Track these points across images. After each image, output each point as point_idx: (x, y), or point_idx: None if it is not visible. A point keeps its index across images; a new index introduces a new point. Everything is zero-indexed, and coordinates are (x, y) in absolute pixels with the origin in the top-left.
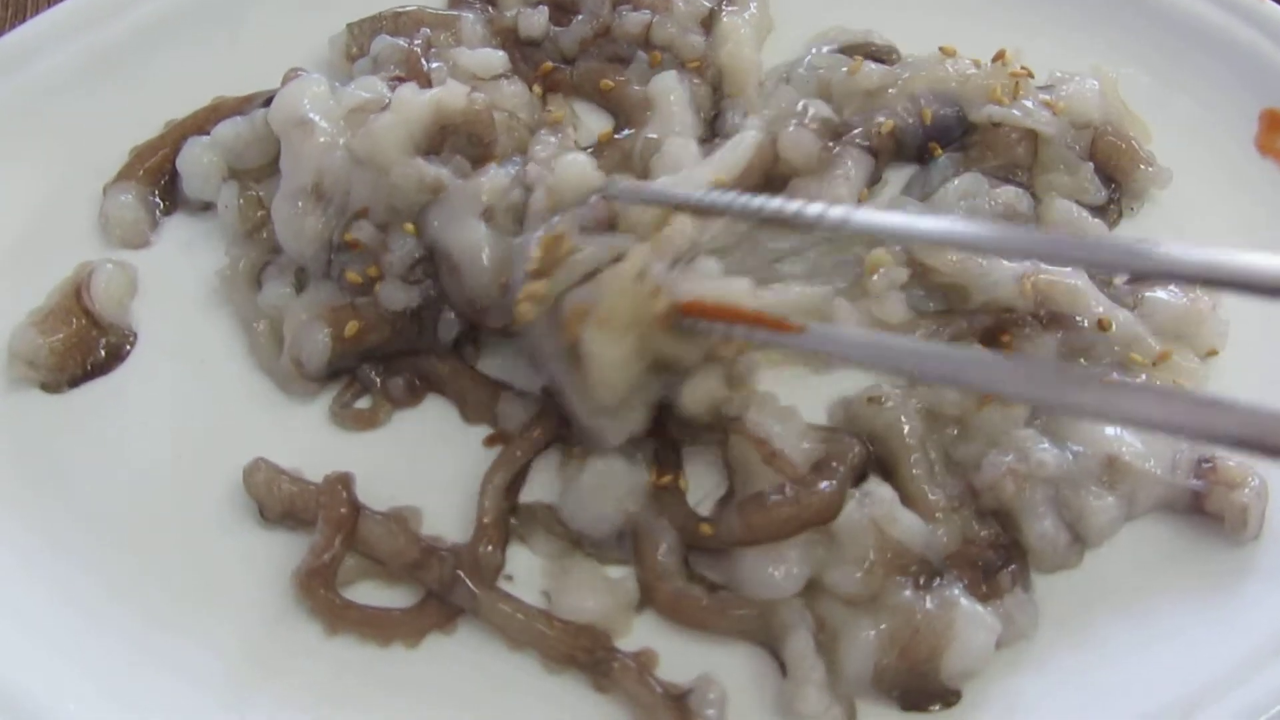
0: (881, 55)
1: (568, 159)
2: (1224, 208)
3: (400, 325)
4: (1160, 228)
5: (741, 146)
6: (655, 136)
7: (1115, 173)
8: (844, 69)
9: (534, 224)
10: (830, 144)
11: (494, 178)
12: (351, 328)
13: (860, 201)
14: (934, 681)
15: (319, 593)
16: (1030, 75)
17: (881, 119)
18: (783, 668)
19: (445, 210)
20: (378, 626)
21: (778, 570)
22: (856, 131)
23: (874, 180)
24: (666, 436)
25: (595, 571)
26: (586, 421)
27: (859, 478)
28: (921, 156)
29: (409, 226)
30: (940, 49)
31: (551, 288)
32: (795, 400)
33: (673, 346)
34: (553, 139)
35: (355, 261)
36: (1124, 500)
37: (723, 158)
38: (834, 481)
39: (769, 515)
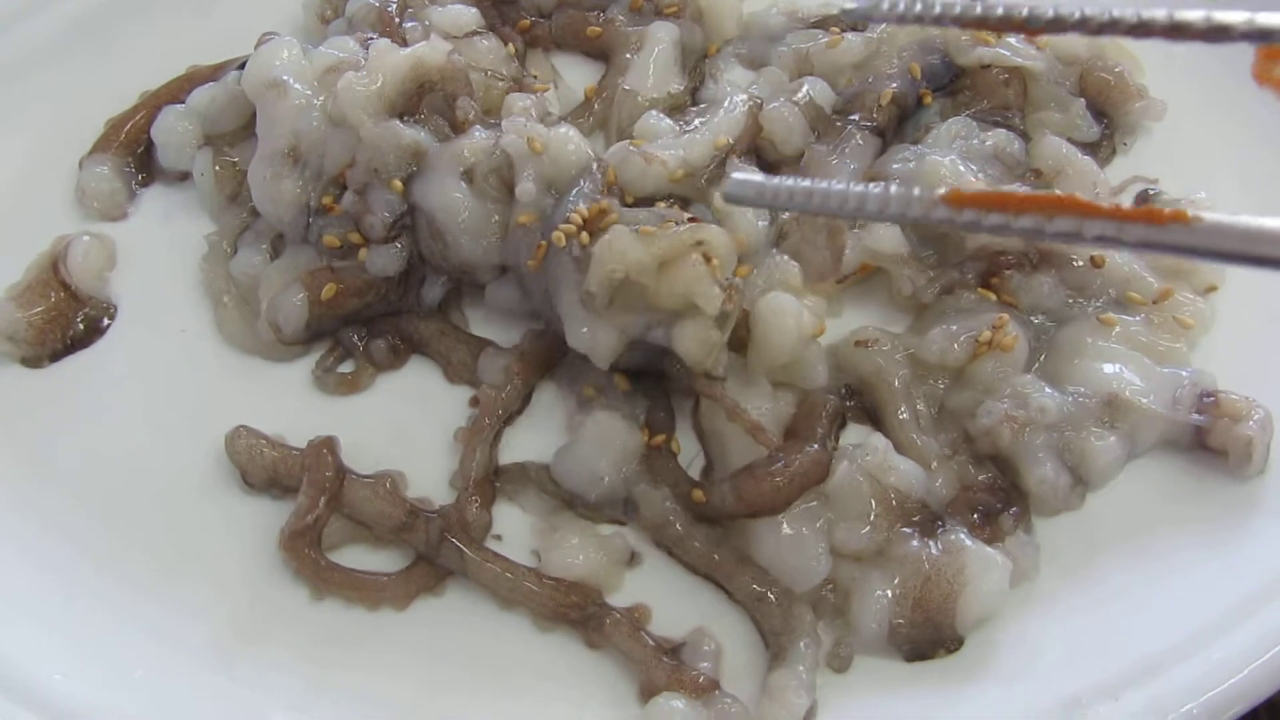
0: (851, 23)
1: (559, 132)
2: (1221, 140)
3: (385, 289)
4: (1156, 162)
5: (736, 111)
6: (630, 89)
7: (1107, 107)
8: (822, 41)
9: (523, 175)
10: (838, 122)
11: (475, 141)
12: (329, 290)
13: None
14: (949, 630)
15: (304, 554)
16: None
17: (879, 89)
18: (765, 641)
19: (427, 175)
20: (364, 590)
21: (804, 558)
22: (858, 116)
23: (881, 152)
24: (659, 396)
25: (585, 529)
26: (573, 339)
27: (839, 427)
28: (916, 107)
29: (397, 184)
30: None
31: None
32: None
33: (670, 293)
34: (529, 97)
35: (334, 225)
36: (1126, 439)
37: (720, 122)
38: (818, 444)
39: (761, 487)
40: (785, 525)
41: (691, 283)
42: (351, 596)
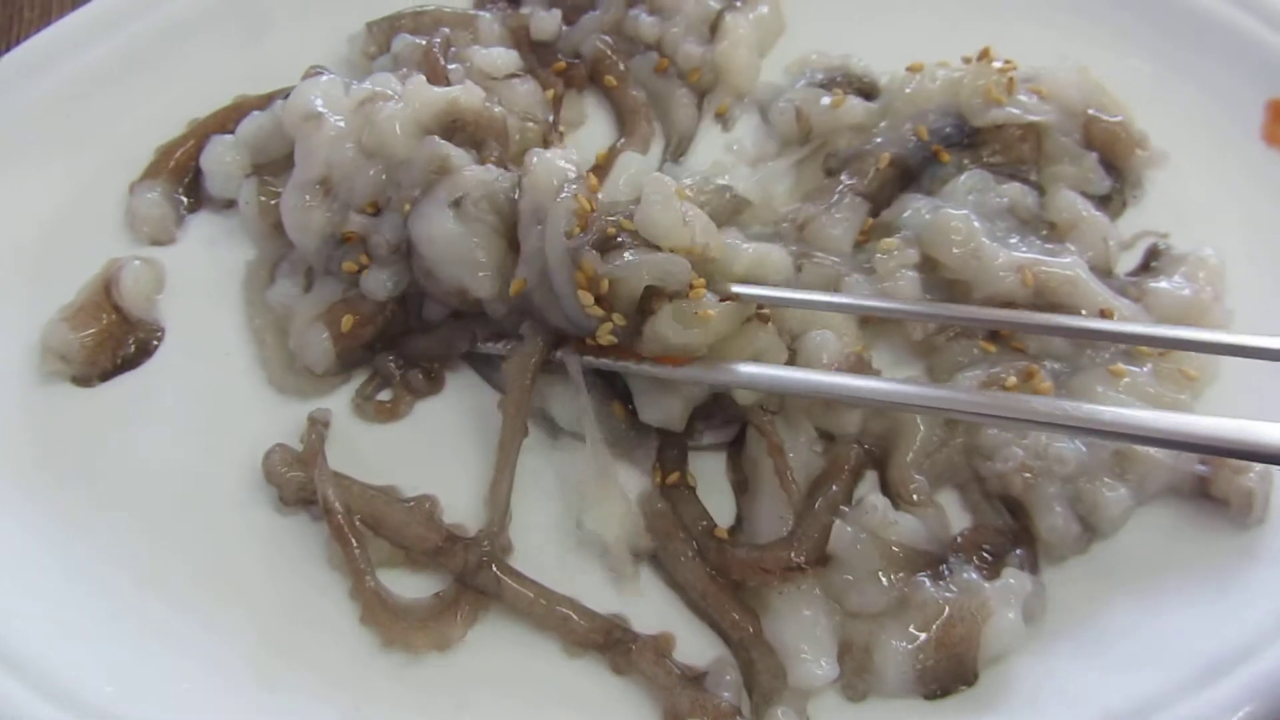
0: (864, 88)
1: (543, 156)
2: (1230, 199)
3: (390, 311)
4: (1167, 220)
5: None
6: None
7: (1113, 158)
8: (825, 100)
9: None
10: (826, 181)
11: (475, 173)
12: (347, 322)
13: (864, 231)
14: (970, 664)
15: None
16: (1014, 65)
17: (878, 152)
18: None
19: (420, 204)
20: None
21: (816, 665)
22: (852, 181)
23: (875, 213)
24: (670, 434)
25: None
26: (645, 414)
27: (859, 479)
28: (929, 163)
29: (406, 208)
30: (908, 68)
31: (619, 318)
32: None
33: (739, 353)
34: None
35: (351, 252)
36: (1135, 490)
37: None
38: (819, 530)
39: (772, 557)
40: (794, 620)
41: (761, 348)
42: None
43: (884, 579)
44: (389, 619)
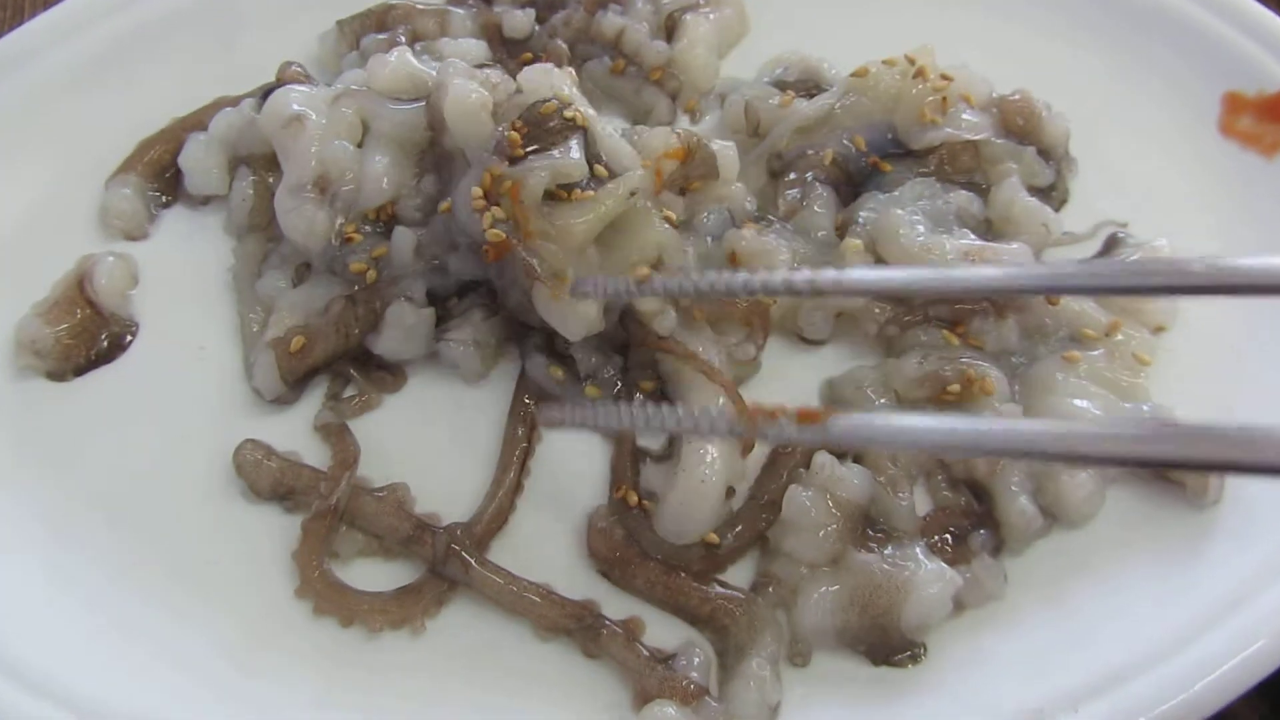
0: (806, 90)
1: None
2: (1188, 189)
3: (343, 330)
4: (1125, 209)
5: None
6: None
7: (1027, 135)
8: (774, 100)
9: None
10: (791, 176)
11: None
12: (297, 343)
13: (837, 228)
14: (895, 634)
15: (312, 564)
16: (950, 80)
17: (820, 151)
18: (718, 655)
19: None
20: (364, 610)
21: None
22: (811, 173)
23: (846, 204)
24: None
25: None
26: (545, 314)
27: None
28: (871, 174)
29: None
30: (852, 74)
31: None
32: (785, 375)
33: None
34: None
35: (358, 252)
36: (1096, 476)
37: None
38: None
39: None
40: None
41: (661, 241)
42: (351, 616)
43: (822, 534)
44: (342, 599)
